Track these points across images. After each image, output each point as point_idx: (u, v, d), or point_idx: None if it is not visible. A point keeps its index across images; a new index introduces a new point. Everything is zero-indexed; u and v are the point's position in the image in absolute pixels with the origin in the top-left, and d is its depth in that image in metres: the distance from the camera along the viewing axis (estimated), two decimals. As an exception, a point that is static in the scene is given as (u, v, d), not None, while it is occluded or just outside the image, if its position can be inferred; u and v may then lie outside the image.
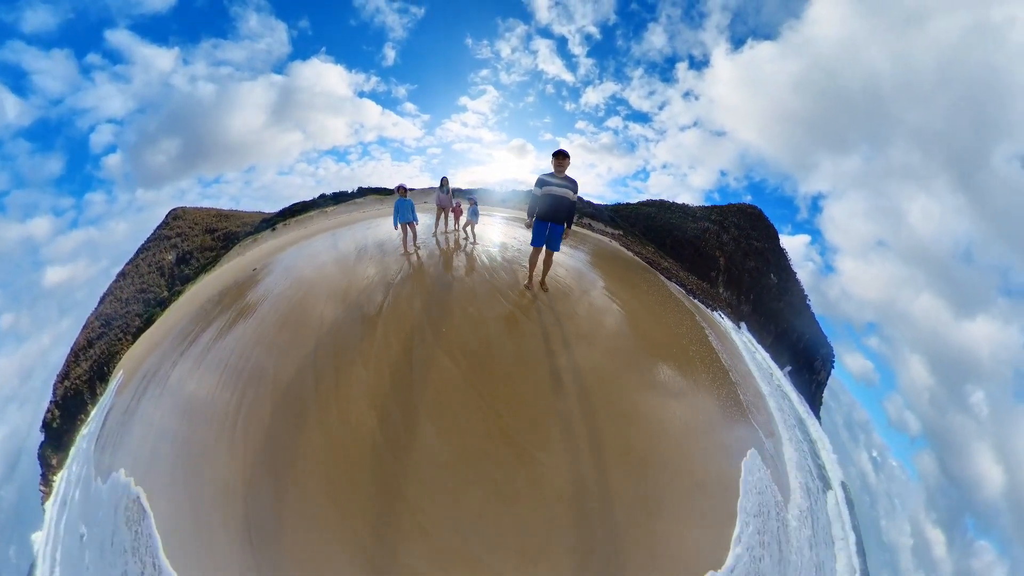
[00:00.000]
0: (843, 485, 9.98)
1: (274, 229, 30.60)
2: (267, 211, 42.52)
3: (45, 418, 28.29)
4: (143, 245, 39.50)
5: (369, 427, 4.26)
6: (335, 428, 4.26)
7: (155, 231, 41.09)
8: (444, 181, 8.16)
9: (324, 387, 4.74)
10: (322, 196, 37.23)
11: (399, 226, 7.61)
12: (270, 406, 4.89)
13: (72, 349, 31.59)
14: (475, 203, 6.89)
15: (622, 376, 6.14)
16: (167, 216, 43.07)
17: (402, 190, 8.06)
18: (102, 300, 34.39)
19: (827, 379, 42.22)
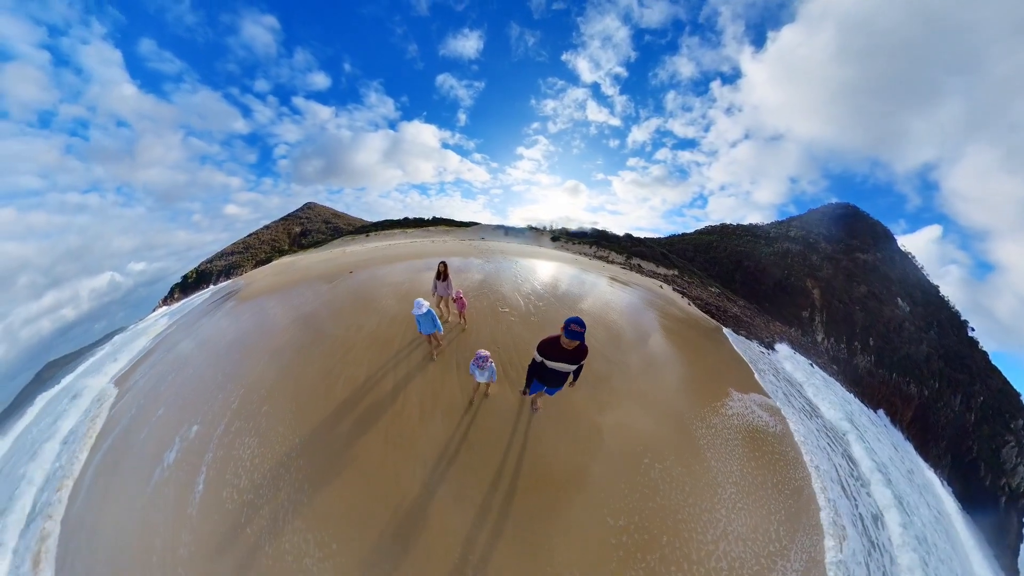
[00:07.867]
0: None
1: (368, 235, 47.71)
2: (366, 219, 65.14)
3: (186, 274, 45.31)
4: (283, 217, 61.02)
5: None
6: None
7: (293, 212, 62.66)
8: (441, 270, 6.46)
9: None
10: (405, 219, 52.79)
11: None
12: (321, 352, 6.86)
13: (221, 250, 50.68)
14: (485, 360, 4.30)
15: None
16: (303, 206, 65.58)
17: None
18: (250, 235, 54.40)
19: (1031, 480, 19.04)
